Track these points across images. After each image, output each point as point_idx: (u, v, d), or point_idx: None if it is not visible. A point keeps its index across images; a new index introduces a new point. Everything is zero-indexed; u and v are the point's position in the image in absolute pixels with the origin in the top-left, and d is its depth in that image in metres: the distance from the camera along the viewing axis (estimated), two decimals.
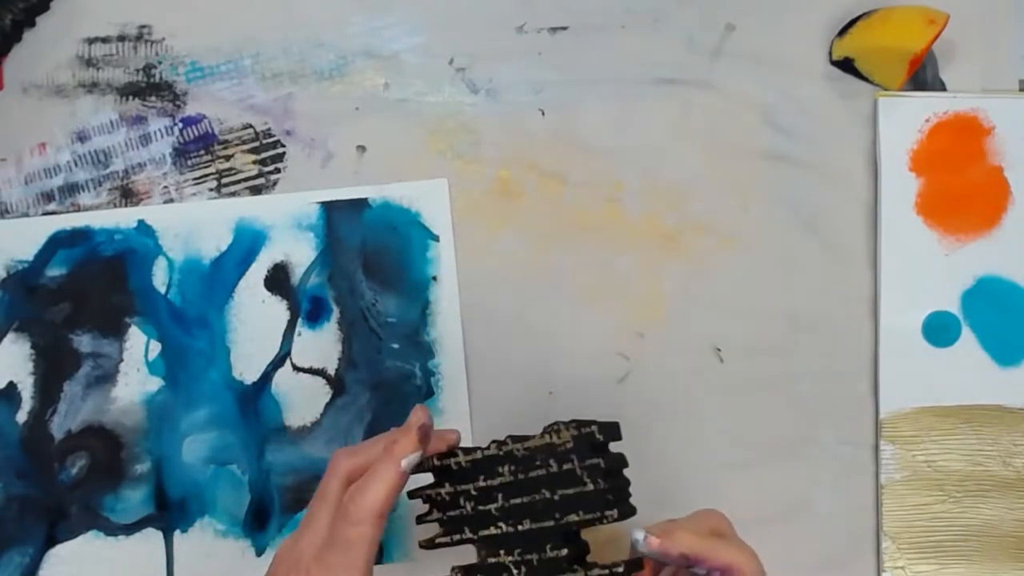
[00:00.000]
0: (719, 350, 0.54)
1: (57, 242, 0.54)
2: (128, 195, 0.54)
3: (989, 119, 0.54)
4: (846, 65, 0.55)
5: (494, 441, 0.43)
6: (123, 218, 0.54)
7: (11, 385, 0.53)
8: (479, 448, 0.44)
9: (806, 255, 0.55)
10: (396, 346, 0.54)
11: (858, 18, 0.54)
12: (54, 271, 0.54)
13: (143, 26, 0.55)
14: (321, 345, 0.53)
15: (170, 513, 0.53)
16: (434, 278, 0.54)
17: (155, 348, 0.53)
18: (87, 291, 0.53)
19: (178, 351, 0.53)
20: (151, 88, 0.55)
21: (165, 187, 0.54)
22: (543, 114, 0.55)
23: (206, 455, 0.53)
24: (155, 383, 0.53)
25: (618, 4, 0.55)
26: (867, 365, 0.54)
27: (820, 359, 0.54)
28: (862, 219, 0.55)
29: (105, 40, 0.55)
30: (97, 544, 0.53)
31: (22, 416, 0.53)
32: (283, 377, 0.53)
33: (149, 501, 0.53)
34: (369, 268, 0.54)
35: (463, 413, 0.53)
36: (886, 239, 0.54)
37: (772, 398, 0.54)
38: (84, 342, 0.53)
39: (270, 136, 0.55)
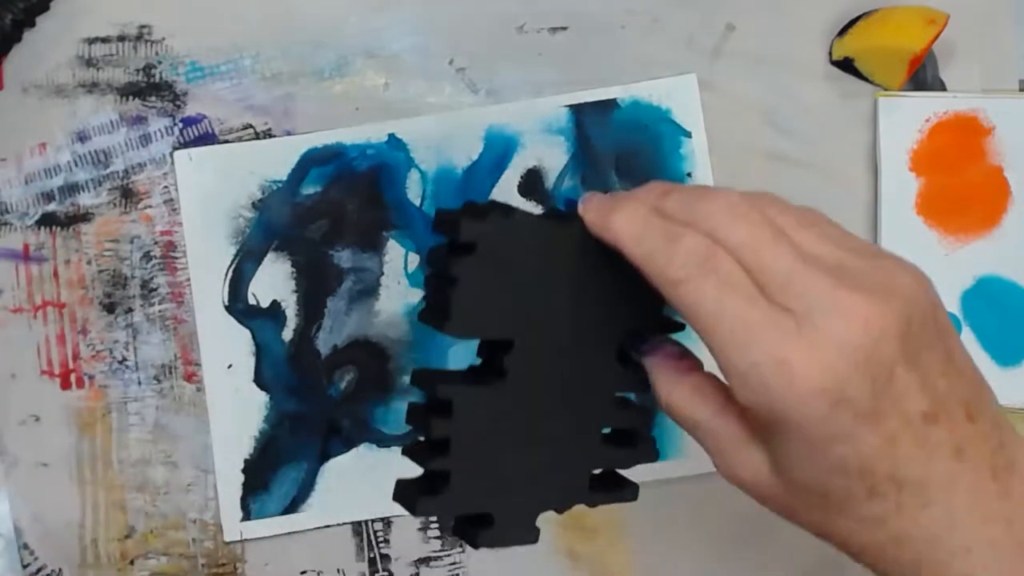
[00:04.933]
0: None
1: (310, 160, 0.54)
2: (128, 195, 0.54)
3: (989, 119, 0.54)
4: (846, 65, 0.55)
5: None
6: (373, 133, 0.54)
7: (275, 304, 0.54)
8: None
9: None
10: None
11: (858, 18, 0.54)
12: (309, 189, 0.54)
13: (143, 26, 0.55)
14: None
15: None
16: (689, 174, 0.54)
17: (414, 260, 0.53)
18: (343, 207, 0.54)
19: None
20: (151, 88, 0.55)
21: (165, 187, 0.54)
22: None
23: (471, 361, 0.53)
24: (416, 294, 0.54)
25: (618, 4, 0.55)
26: None
27: None
28: (862, 219, 0.55)
29: (105, 40, 0.55)
30: (370, 457, 0.53)
31: (288, 334, 0.54)
32: None
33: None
34: (621, 168, 0.54)
35: None
36: (886, 239, 0.54)
37: None
38: (344, 258, 0.54)
39: (270, 136, 0.55)
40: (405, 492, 0.36)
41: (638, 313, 0.35)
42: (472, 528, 0.35)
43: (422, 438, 0.36)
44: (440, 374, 0.40)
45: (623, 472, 0.38)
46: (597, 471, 0.37)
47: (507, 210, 0.35)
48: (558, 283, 0.34)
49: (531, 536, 0.36)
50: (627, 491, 0.38)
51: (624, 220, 0.33)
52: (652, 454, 0.38)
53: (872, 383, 0.29)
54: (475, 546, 0.36)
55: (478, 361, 0.37)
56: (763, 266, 0.30)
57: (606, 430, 0.37)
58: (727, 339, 0.30)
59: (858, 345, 0.29)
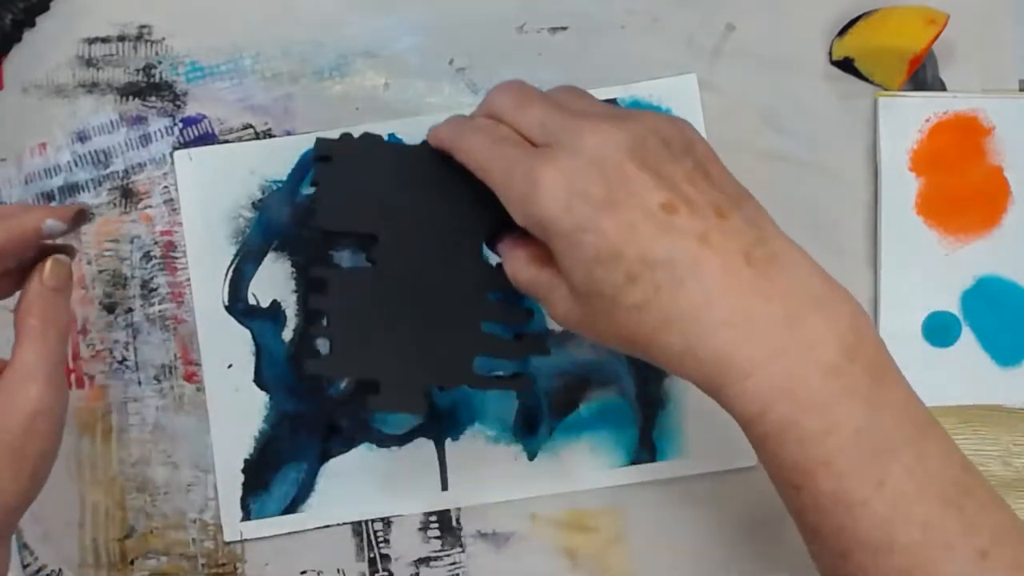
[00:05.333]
0: None
1: (310, 160, 0.54)
2: (128, 195, 0.54)
3: (989, 119, 0.54)
4: (846, 65, 0.55)
5: None
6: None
7: (275, 304, 0.54)
8: None
9: None
10: None
11: (858, 18, 0.54)
12: (309, 189, 0.54)
13: (143, 26, 0.55)
14: None
15: (440, 422, 0.53)
16: None
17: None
18: None
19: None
20: (151, 88, 0.55)
21: (165, 187, 0.54)
22: None
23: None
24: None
25: (618, 4, 0.55)
26: None
27: None
28: (862, 219, 0.55)
29: (105, 40, 0.55)
30: (371, 456, 0.53)
31: (288, 334, 0.53)
32: None
33: None
34: None
35: None
36: (886, 239, 0.54)
37: None
38: (344, 258, 0.53)
39: (270, 136, 0.55)
40: (298, 357, 0.46)
41: (493, 216, 0.40)
42: (364, 396, 0.42)
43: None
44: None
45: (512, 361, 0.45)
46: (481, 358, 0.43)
47: (368, 135, 0.43)
48: (417, 191, 0.42)
49: (418, 406, 0.42)
50: (516, 382, 0.45)
51: (455, 134, 0.42)
52: (540, 347, 0.44)
53: (603, 178, 0.36)
54: (367, 410, 0.43)
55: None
56: (526, 121, 0.39)
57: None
58: (501, 178, 0.38)
59: (590, 152, 0.36)
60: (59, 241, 0.42)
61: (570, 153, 0.36)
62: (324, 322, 0.42)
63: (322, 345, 0.44)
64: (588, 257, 0.36)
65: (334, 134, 0.45)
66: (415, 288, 0.42)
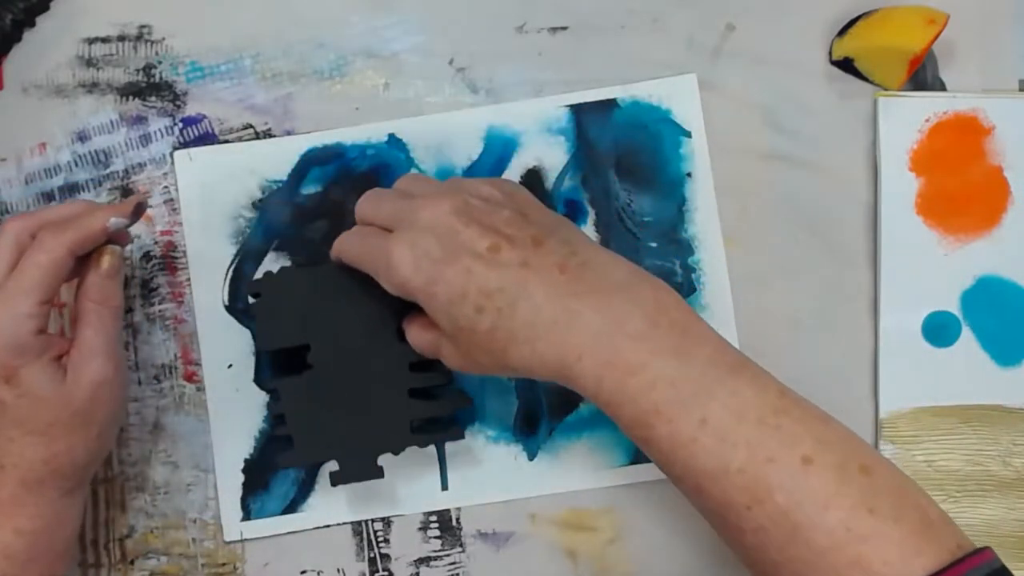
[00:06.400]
0: None
1: (310, 160, 0.54)
2: (128, 195, 0.54)
3: (989, 119, 0.54)
4: (846, 65, 0.55)
5: None
6: (373, 133, 0.55)
7: None
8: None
9: (806, 255, 0.55)
10: (654, 245, 0.54)
11: (858, 18, 0.54)
12: (309, 189, 0.54)
13: (143, 26, 0.55)
14: None
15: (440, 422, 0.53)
16: (688, 174, 0.54)
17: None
18: (343, 207, 0.54)
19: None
20: (151, 88, 0.55)
21: (165, 187, 0.54)
22: None
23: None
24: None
25: (618, 4, 0.55)
26: (867, 365, 0.54)
27: (819, 359, 0.54)
28: (862, 219, 0.55)
29: (105, 40, 0.55)
30: None
31: (331, 478, 0.52)
32: None
33: None
34: (622, 168, 0.55)
35: (727, 306, 0.54)
36: (886, 239, 0.54)
37: None
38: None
39: (270, 136, 0.55)
40: (273, 454, 0.53)
41: (401, 303, 0.47)
42: (332, 475, 0.50)
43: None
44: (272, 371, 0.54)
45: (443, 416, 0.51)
46: (417, 421, 0.50)
47: (285, 269, 0.51)
48: (337, 300, 0.49)
49: (375, 473, 0.50)
50: (450, 432, 0.52)
51: (340, 243, 0.49)
52: (456, 403, 0.51)
53: (438, 239, 0.43)
54: (334, 485, 0.50)
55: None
56: (381, 216, 0.47)
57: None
58: (370, 263, 0.46)
59: (425, 222, 0.44)
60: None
61: (411, 227, 0.44)
62: (284, 422, 0.50)
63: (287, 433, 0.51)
64: (443, 303, 0.43)
65: (259, 275, 0.52)
66: (351, 378, 0.50)
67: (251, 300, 0.51)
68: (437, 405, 0.51)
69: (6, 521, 0.46)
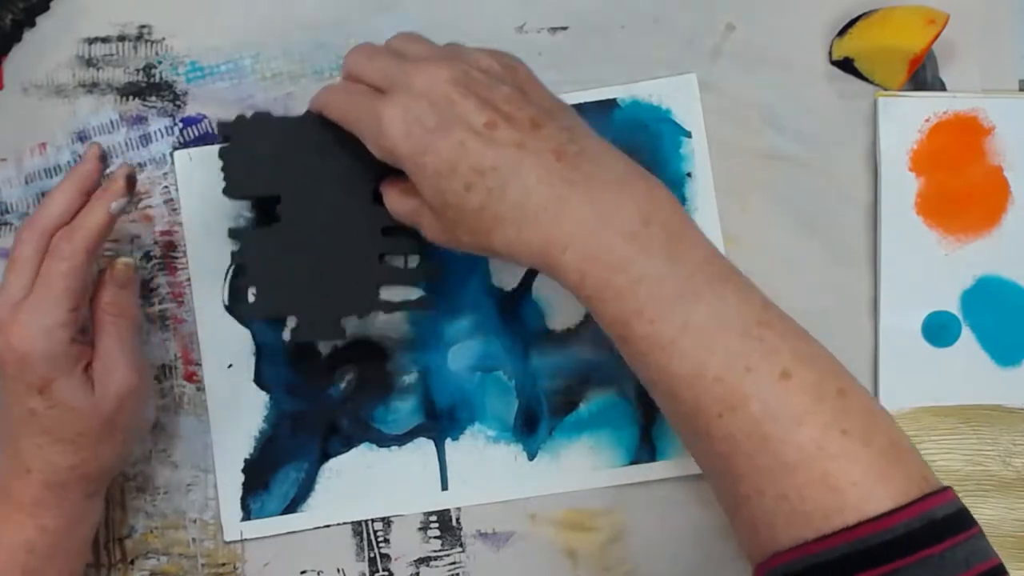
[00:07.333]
0: None
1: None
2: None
3: (989, 119, 0.54)
4: (846, 65, 0.55)
5: None
6: None
7: None
8: None
9: (806, 255, 0.55)
10: None
11: (858, 18, 0.54)
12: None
13: (143, 26, 0.55)
14: None
15: (440, 422, 0.54)
16: (689, 174, 0.54)
17: (413, 260, 0.53)
18: None
19: (437, 262, 0.53)
20: (151, 88, 0.55)
21: (165, 187, 0.54)
22: None
23: (472, 363, 0.54)
24: (417, 294, 0.54)
25: (618, 4, 0.55)
26: (867, 365, 0.54)
27: None
28: (862, 219, 0.55)
29: (105, 40, 0.55)
30: (370, 456, 0.54)
31: (288, 333, 0.53)
32: (543, 281, 0.54)
33: (418, 411, 0.54)
34: None
35: None
36: (886, 239, 0.54)
37: None
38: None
39: None
40: (232, 307, 0.53)
41: (378, 164, 0.45)
42: (292, 331, 0.49)
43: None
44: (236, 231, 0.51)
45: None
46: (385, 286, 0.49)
47: (260, 114, 0.49)
48: (311, 154, 0.48)
49: (337, 333, 0.49)
50: (419, 302, 0.52)
51: (325, 96, 0.47)
52: (434, 273, 0.51)
53: (434, 107, 0.42)
54: (293, 340, 0.51)
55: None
56: (372, 74, 0.45)
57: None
58: (356, 122, 0.44)
59: (420, 88, 0.42)
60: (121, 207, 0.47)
61: (405, 91, 0.42)
62: (247, 274, 0.49)
63: (251, 294, 0.50)
64: (431, 174, 0.42)
65: (231, 117, 0.49)
66: (320, 235, 0.48)
67: (221, 144, 0.49)
68: (408, 273, 0.50)
69: (31, 520, 0.46)
